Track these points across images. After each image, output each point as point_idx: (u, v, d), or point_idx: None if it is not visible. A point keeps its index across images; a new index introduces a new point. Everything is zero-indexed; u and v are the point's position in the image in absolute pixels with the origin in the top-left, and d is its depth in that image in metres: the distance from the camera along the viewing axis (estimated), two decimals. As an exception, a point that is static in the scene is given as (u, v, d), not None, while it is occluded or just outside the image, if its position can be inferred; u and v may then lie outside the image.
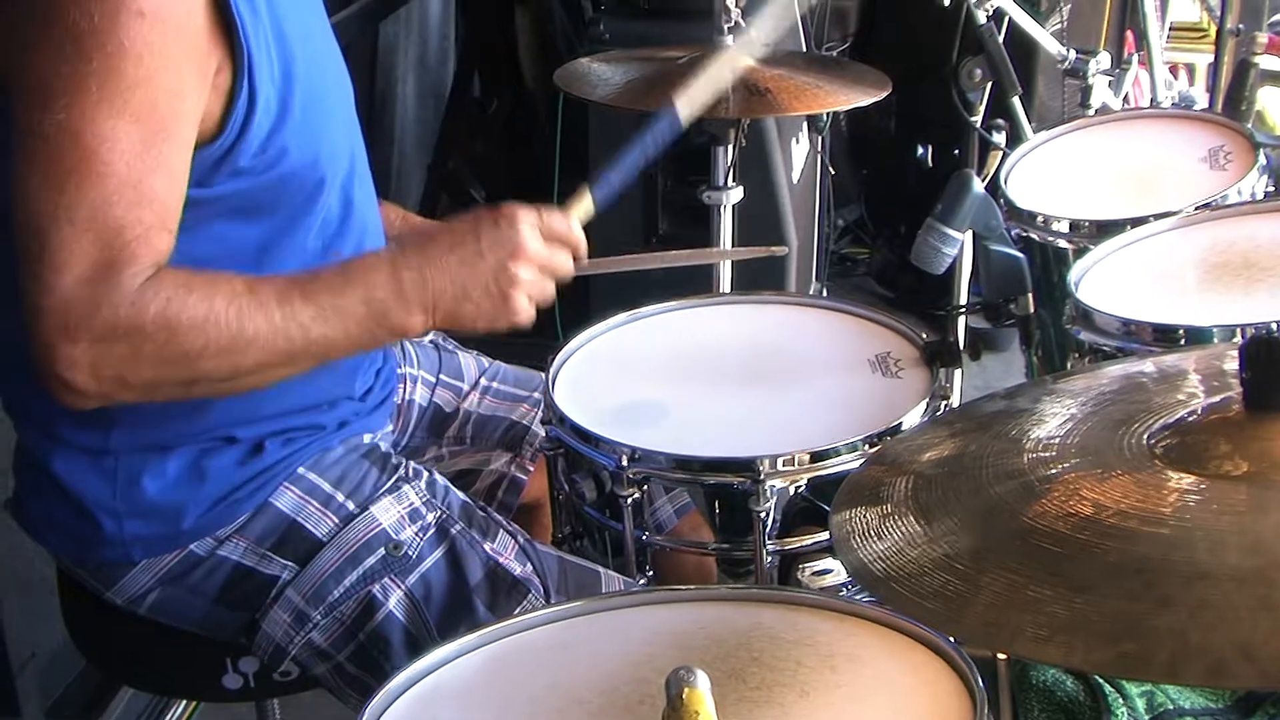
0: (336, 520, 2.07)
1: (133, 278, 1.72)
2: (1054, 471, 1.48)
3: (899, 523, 1.49)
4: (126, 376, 1.74)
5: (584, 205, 2.08)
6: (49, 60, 1.69)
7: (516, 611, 2.04)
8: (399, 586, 2.06)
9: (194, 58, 1.77)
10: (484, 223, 1.93)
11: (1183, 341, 2.20)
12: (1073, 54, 3.89)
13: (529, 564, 2.14)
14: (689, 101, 2.21)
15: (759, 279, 3.79)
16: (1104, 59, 3.86)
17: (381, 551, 2.06)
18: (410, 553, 2.08)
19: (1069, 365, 2.47)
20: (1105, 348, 2.29)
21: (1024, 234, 2.81)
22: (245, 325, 1.77)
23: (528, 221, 1.94)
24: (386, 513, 2.09)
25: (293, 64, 1.90)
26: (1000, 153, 3.43)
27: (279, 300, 1.80)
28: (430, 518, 2.11)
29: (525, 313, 1.94)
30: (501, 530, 2.16)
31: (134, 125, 1.71)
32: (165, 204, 1.76)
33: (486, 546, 2.12)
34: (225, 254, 1.91)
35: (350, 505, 2.09)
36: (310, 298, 1.81)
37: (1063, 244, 2.77)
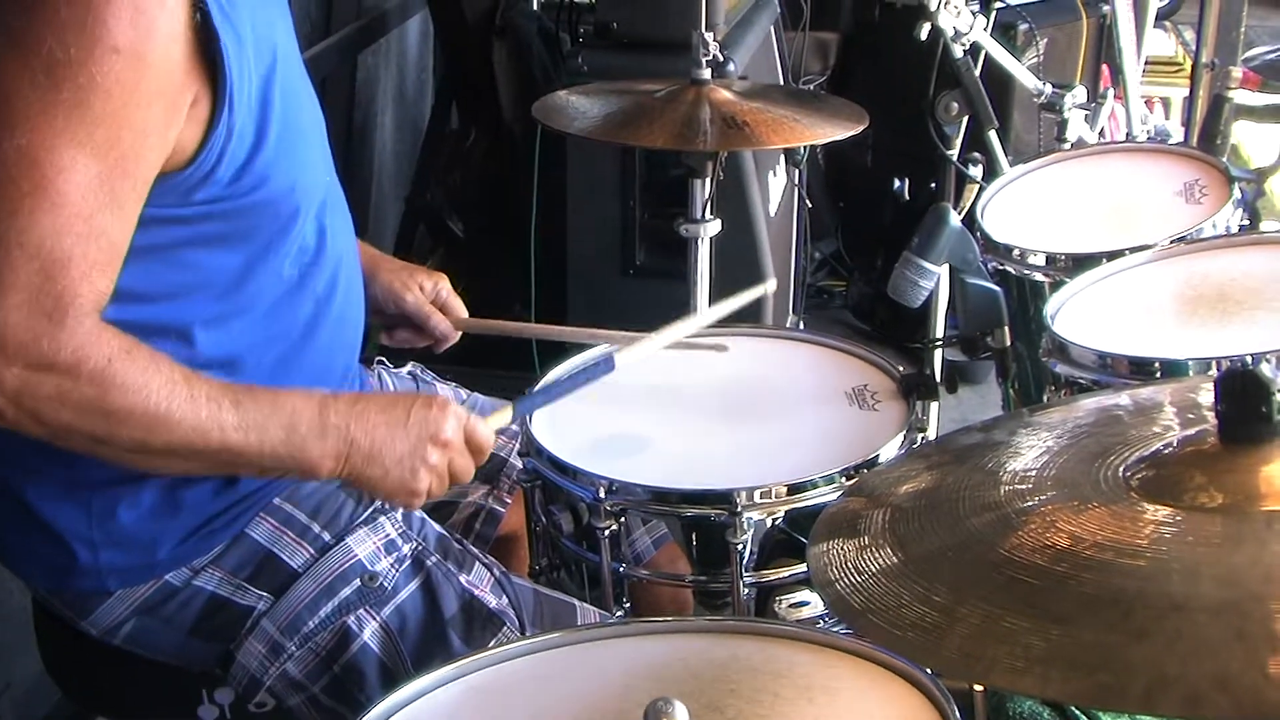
0: (312, 551, 2.07)
1: (76, 320, 1.72)
2: (1030, 504, 1.48)
3: (876, 555, 1.49)
4: (43, 413, 1.74)
5: (502, 417, 2.13)
6: (17, 84, 1.69)
7: (491, 644, 2.03)
8: (374, 618, 2.06)
9: (165, 95, 1.76)
10: (418, 401, 1.97)
11: (1158, 374, 2.22)
12: (1049, 88, 3.91)
13: (505, 597, 2.14)
14: (629, 354, 2.26)
15: (736, 312, 3.79)
16: (1080, 93, 3.88)
17: (357, 583, 2.06)
18: (386, 584, 2.07)
19: (1045, 398, 2.49)
20: (1081, 380, 2.30)
21: (1000, 267, 2.83)
22: (172, 408, 1.78)
23: (456, 416, 1.98)
24: (362, 544, 2.09)
25: (272, 92, 1.90)
26: (977, 186, 3.45)
27: (209, 398, 1.81)
28: (406, 549, 2.11)
29: (422, 496, 1.98)
30: (478, 563, 2.16)
31: (94, 160, 1.71)
32: (113, 243, 1.76)
33: (462, 579, 2.12)
34: (202, 282, 1.91)
35: (326, 536, 2.08)
36: (238, 407, 1.83)
37: (1039, 277, 2.78)
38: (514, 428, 2.44)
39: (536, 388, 2.27)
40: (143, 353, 1.79)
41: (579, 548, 2.22)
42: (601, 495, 2.10)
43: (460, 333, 2.48)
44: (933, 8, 3.41)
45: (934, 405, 2.40)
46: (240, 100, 1.84)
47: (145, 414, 1.77)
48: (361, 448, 1.91)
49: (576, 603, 2.19)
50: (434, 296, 2.46)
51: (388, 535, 2.11)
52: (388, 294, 2.43)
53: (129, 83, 1.72)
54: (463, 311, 2.49)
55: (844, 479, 2.08)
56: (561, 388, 2.24)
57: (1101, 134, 4.13)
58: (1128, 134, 4.86)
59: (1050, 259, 2.79)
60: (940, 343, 3.61)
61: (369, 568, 2.07)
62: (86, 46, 1.69)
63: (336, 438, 1.89)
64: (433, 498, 2.00)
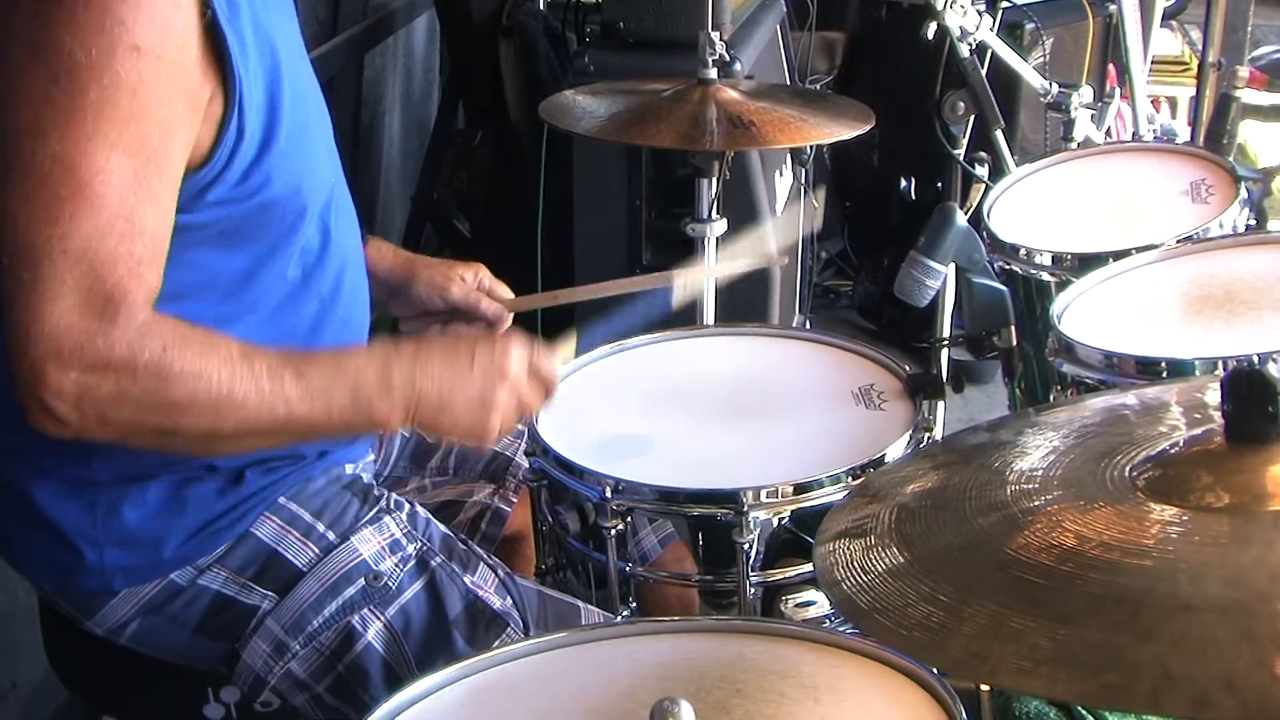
0: (317, 550, 2.07)
1: (128, 316, 1.72)
2: (1037, 503, 1.48)
3: (882, 554, 1.49)
4: (108, 414, 1.74)
5: (568, 348, 2.16)
6: (44, 90, 1.69)
7: (495, 645, 2.03)
8: (378, 618, 2.06)
9: (186, 91, 1.77)
10: (480, 343, 1.98)
11: (1165, 374, 2.21)
12: (1055, 87, 3.91)
13: (509, 598, 2.13)
14: (685, 284, 2.27)
15: (743, 311, 3.79)
16: (1086, 93, 3.88)
17: (361, 582, 2.06)
18: (390, 584, 2.07)
19: (1051, 397, 2.48)
20: (1088, 380, 2.30)
21: (1007, 267, 2.82)
22: (235, 389, 1.78)
23: (519, 353, 1.99)
24: (367, 543, 2.09)
25: (279, 95, 1.90)
26: (983, 186, 3.45)
27: (270, 373, 1.81)
28: (411, 549, 2.11)
29: (495, 435, 1.99)
30: (482, 563, 2.16)
31: (127, 158, 1.72)
32: (155, 237, 1.77)
33: (467, 579, 2.12)
34: (206, 282, 1.91)
35: (331, 535, 2.08)
36: (301, 376, 1.83)
37: (1045, 277, 2.78)
38: (519, 426, 2.44)
39: (601, 322, 2.27)
40: (198, 336, 1.79)
41: (585, 547, 2.22)
42: (608, 495, 2.10)
43: (511, 314, 2.48)
44: (939, 7, 3.41)
45: (940, 405, 2.40)
46: (249, 101, 1.84)
47: (209, 399, 1.77)
48: (430, 399, 1.91)
49: (581, 604, 2.19)
50: (478, 284, 2.46)
51: (392, 535, 2.11)
52: (432, 290, 2.43)
53: (151, 80, 1.72)
54: (508, 293, 2.49)
55: (850, 478, 2.08)
56: (627, 321, 2.24)
57: (1108, 133, 4.13)
58: (1134, 133, 4.86)
59: (1056, 258, 2.79)
60: (947, 342, 3.61)
61: (374, 567, 2.07)
62: (107, 47, 1.69)
63: (403, 392, 1.90)
64: (505, 435, 2.03)
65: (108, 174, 1.71)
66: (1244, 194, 2.82)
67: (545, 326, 2.54)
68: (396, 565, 2.09)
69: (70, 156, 1.69)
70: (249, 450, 1.93)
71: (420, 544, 2.12)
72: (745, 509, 2.03)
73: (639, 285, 2.50)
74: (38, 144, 1.69)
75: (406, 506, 2.17)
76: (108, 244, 1.71)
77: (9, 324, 1.72)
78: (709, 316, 3.32)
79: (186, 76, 1.77)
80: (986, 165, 3.54)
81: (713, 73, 3.07)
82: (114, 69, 1.70)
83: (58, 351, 1.70)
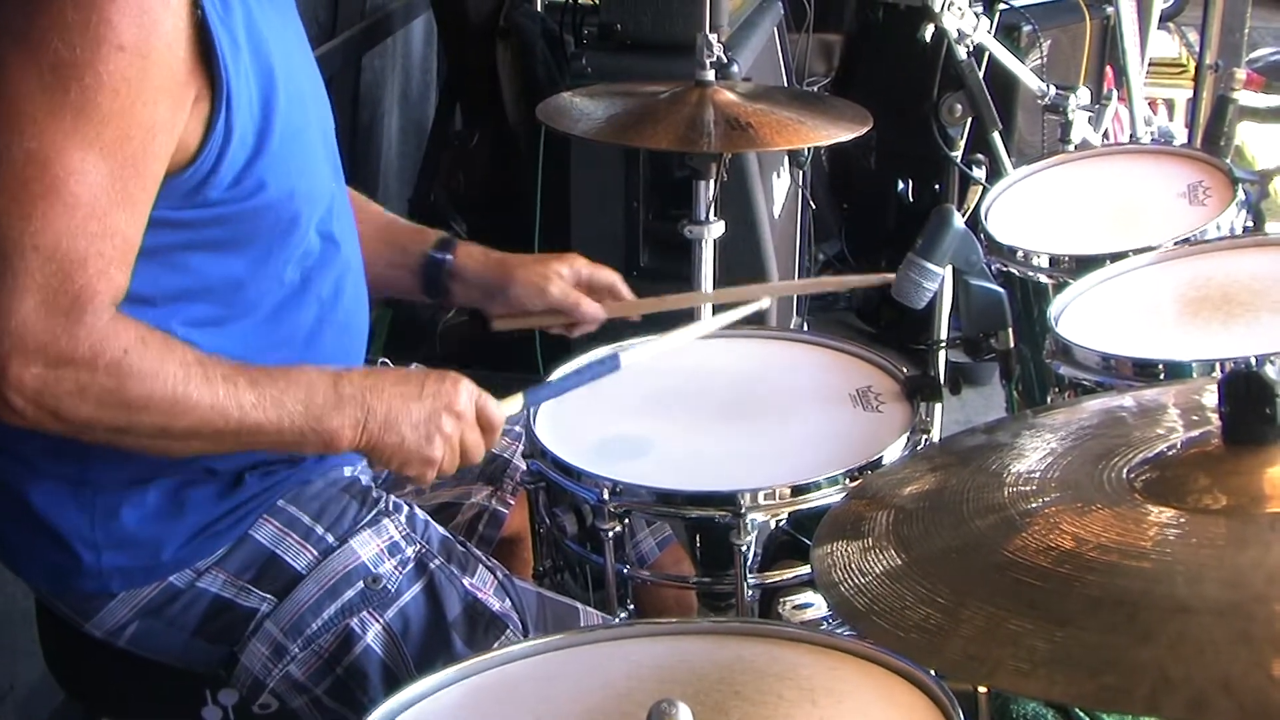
0: (316, 553, 2.07)
1: (94, 315, 1.73)
2: (1034, 505, 1.48)
3: (880, 556, 1.49)
4: (63, 409, 1.75)
5: (513, 404, 2.14)
6: (26, 86, 1.70)
7: (494, 647, 2.03)
8: (377, 620, 2.06)
9: (170, 91, 1.77)
10: (431, 375, 2.00)
11: (1162, 376, 2.21)
12: (1052, 90, 3.91)
13: (507, 600, 2.13)
14: (633, 355, 2.27)
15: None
16: (1084, 94, 3.88)
17: (360, 585, 2.06)
18: (389, 586, 2.07)
19: (1049, 400, 2.48)
20: (1085, 382, 2.30)
21: (1004, 269, 2.83)
22: (190, 391, 1.80)
23: (468, 391, 2.01)
24: (366, 546, 2.09)
25: (273, 98, 1.90)
26: (980, 188, 3.45)
27: (225, 378, 1.83)
28: (410, 552, 2.11)
29: (436, 465, 1.99)
30: (481, 565, 2.16)
31: (103, 159, 1.72)
32: (126, 239, 1.77)
33: (465, 581, 2.11)
34: (202, 286, 1.91)
35: (330, 538, 2.08)
36: (254, 385, 1.84)
37: (1043, 279, 2.78)
38: (517, 429, 2.44)
39: (546, 381, 2.27)
40: (157, 339, 1.80)
41: (583, 549, 2.22)
42: (605, 497, 2.10)
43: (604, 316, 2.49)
44: (936, 9, 3.41)
45: (938, 407, 2.39)
46: (239, 101, 1.84)
47: (164, 400, 1.78)
48: (378, 415, 1.92)
49: (580, 606, 2.19)
50: (575, 279, 2.46)
51: (391, 538, 2.11)
52: (530, 290, 2.43)
53: (135, 81, 1.72)
54: (608, 276, 2.49)
55: (848, 480, 2.08)
56: (570, 382, 2.24)
57: (1105, 135, 4.13)
58: (1131, 135, 4.86)
59: (1054, 260, 2.79)
60: (944, 344, 3.61)
61: (372, 570, 2.07)
62: (92, 46, 1.69)
63: (354, 407, 1.91)
64: (444, 474, 2.01)
65: (83, 174, 1.71)
66: (1241, 196, 2.82)
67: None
68: (395, 568, 2.09)
69: (46, 153, 1.70)
70: (197, 453, 1.92)
71: (419, 546, 2.12)
72: (743, 511, 2.03)
73: (734, 297, 2.53)
74: (14, 139, 1.70)
75: (405, 509, 2.17)
76: (78, 244, 1.72)
77: None
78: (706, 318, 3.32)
79: (172, 76, 1.77)
80: (984, 167, 3.54)
81: (710, 75, 3.07)
82: (96, 68, 1.70)
83: (22, 346, 1.70)
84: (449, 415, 1.97)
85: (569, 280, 2.45)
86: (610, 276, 2.49)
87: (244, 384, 1.83)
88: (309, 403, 1.88)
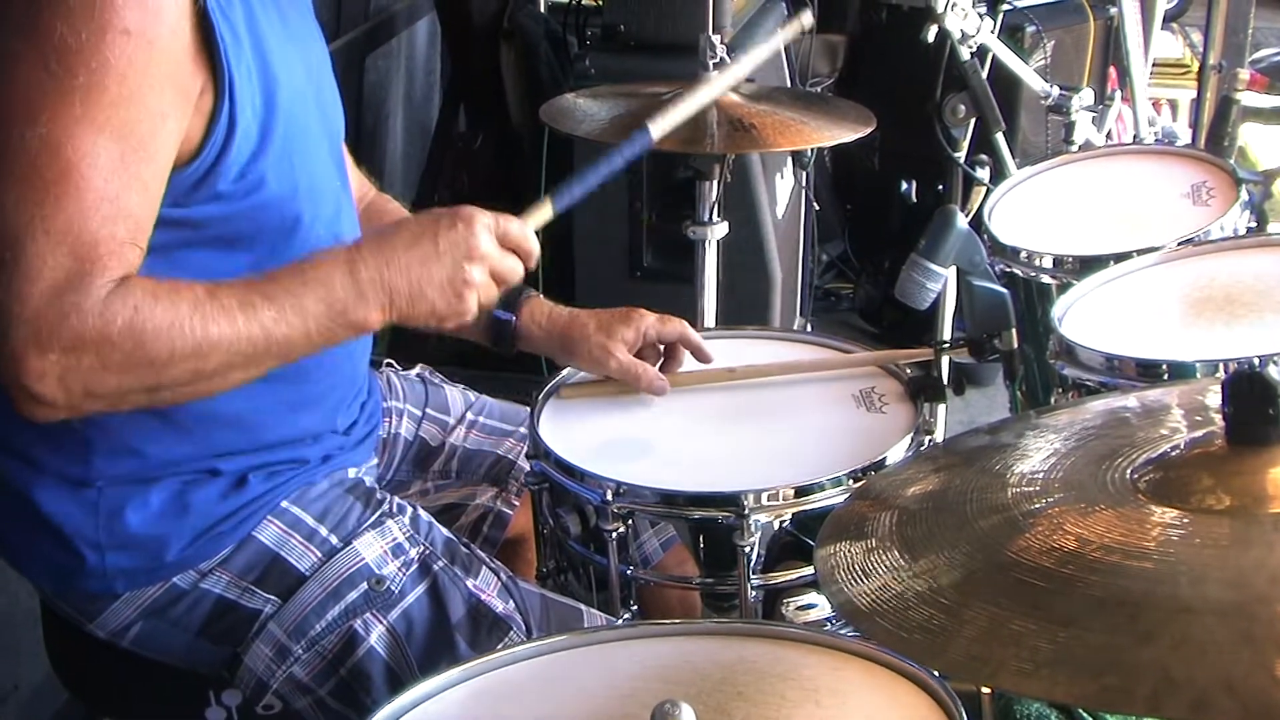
0: (319, 554, 2.07)
1: (101, 287, 1.72)
2: (1038, 506, 1.48)
3: (883, 557, 1.49)
4: (94, 387, 1.74)
5: (542, 213, 2.09)
6: (33, 73, 1.70)
7: (498, 648, 2.03)
8: (381, 622, 2.06)
9: (176, 78, 1.78)
10: (442, 222, 1.93)
11: (1166, 376, 2.21)
12: (1056, 90, 3.91)
13: (511, 601, 2.13)
14: (662, 123, 2.22)
15: (743, 314, 3.79)
16: (1087, 95, 3.89)
17: (364, 586, 2.06)
18: (393, 588, 2.07)
19: (1053, 400, 2.48)
20: (1089, 383, 2.30)
21: (1008, 269, 2.82)
22: (209, 330, 1.77)
23: (484, 224, 1.95)
24: (370, 547, 2.09)
25: (275, 94, 1.90)
26: (984, 188, 3.45)
27: (240, 304, 1.79)
28: (413, 553, 2.11)
29: (473, 312, 1.95)
30: (484, 567, 2.16)
31: (114, 142, 1.72)
32: (139, 220, 1.77)
33: (469, 583, 2.12)
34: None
35: (333, 540, 2.08)
36: (271, 299, 1.81)
37: (1046, 279, 2.78)
38: (521, 430, 2.45)
39: (574, 177, 2.19)
40: (164, 289, 1.77)
41: (586, 550, 2.22)
42: (609, 498, 2.10)
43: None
44: (940, 10, 3.42)
45: (941, 407, 2.39)
46: (242, 96, 1.84)
47: (187, 347, 1.76)
48: (402, 291, 1.88)
49: (583, 608, 2.19)
50: (639, 341, 2.38)
51: (395, 539, 2.11)
52: (591, 364, 2.39)
53: (141, 65, 1.73)
54: (679, 328, 2.41)
55: (851, 481, 2.08)
56: (601, 170, 2.18)
57: (1109, 136, 4.14)
58: (1135, 136, 4.86)
59: (1057, 261, 2.79)
60: (947, 345, 3.61)
61: (376, 571, 2.07)
62: (97, 31, 1.70)
63: (375, 290, 1.87)
64: (486, 307, 1.97)
65: (94, 157, 1.71)
66: (1245, 196, 2.81)
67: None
68: (399, 569, 2.09)
69: (56, 139, 1.70)
70: (239, 383, 1.87)
71: (423, 548, 2.12)
72: (746, 512, 2.03)
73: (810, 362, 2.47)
74: (26, 127, 1.70)
75: (409, 510, 2.18)
76: (90, 226, 1.71)
77: None
78: (709, 319, 3.32)
79: (177, 63, 1.77)
80: (987, 168, 3.54)
81: (714, 76, 3.07)
82: (103, 53, 1.70)
83: (35, 335, 1.69)
84: (473, 262, 1.92)
85: (632, 345, 2.37)
86: (679, 327, 2.41)
87: (260, 302, 1.80)
88: (330, 300, 1.84)
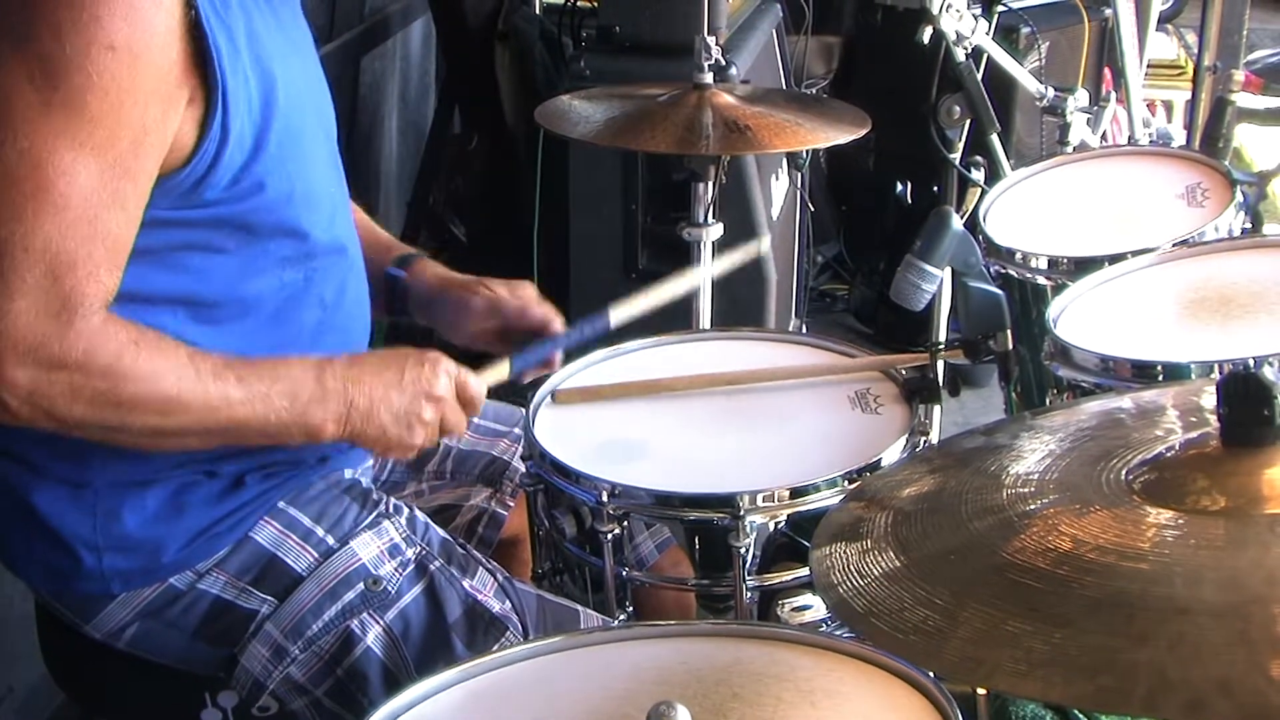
0: (316, 555, 2.07)
1: (84, 318, 1.74)
2: (1033, 507, 1.48)
3: (879, 558, 1.49)
4: (57, 410, 1.77)
5: (498, 373, 2.18)
6: (17, 84, 1.70)
7: (494, 649, 2.03)
8: (377, 622, 2.06)
9: (162, 93, 1.77)
10: (410, 359, 2.02)
11: (1161, 377, 2.21)
12: (1051, 91, 3.91)
13: (507, 601, 2.14)
14: (620, 313, 2.27)
15: (738, 315, 3.79)
16: (1082, 96, 3.88)
17: (360, 587, 2.06)
18: (389, 588, 2.07)
19: (1048, 401, 2.48)
20: (1084, 384, 2.30)
21: (1003, 270, 2.83)
22: (182, 391, 1.82)
23: (448, 373, 2.03)
24: (366, 548, 2.09)
25: (274, 98, 1.90)
26: (979, 190, 3.45)
27: (216, 375, 1.85)
28: (410, 554, 2.11)
29: (416, 449, 2.04)
30: (481, 568, 2.16)
31: (94, 159, 1.72)
32: (117, 241, 1.78)
33: (465, 584, 2.12)
34: (200, 286, 1.92)
35: (330, 540, 2.09)
36: (242, 382, 1.87)
37: (1041, 280, 2.78)
38: (516, 431, 2.44)
39: (533, 345, 2.28)
40: (149, 340, 1.81)
41: (582, 551, 2.21)
42: (604, 499, 2.10)
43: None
44: (935, 11, 3.41)
45: (936, 409, 2.40)
46: (237, 103, 1.84)
47: (156, 400, 1.81)
48: (360, 408, 1.95)
49: (580, 608, 2.19)
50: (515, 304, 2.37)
51: (391, 539, 2.11)
52: (478, 311, 2.36)
53: (125, 81, 1.72)
54: (548, 315, 2.37)
55: (846, 482, 2.08)
56: (557, 343, 2.27)
57: (1103, 137, 4.13)
58: (1130, 137, 4.86)
59: (1052, 262, 2.79)
60: (942, 346, 3.61)
61: (373, 572, 2.07)
62: (82, 45, 1.69)
63: (336, 401, 1.94)
64: (425, 449, 2.05)
65: (73, 174, 1.71)
66: (1239, 197, 2.82)
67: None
68: (395, 569, 2.09)
69: (37, 153, 1.70)
70: (188, 449, 1.95)
71: (419, 548, 2.12)
72: (741, 513, 2.03)
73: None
74: (6, 137, 1.70)
75: (405, 511, 2.18)
76: (68, 245, 1.72)
77: None
78: (705, 320, 3.32)
79: (164, 77, 1.77)
80: (982, 169, 3.54)
81: (709, 77, 3.07)
82: (86, 68, 1.70)
83: (14, 347, 1.71)
84: (429, 402, 2.00)
85: (521, 304, 2.35)
86: (548, 315, 2.37)
87: (232, 381, 1.85)
88: (294, 397, 1.90)
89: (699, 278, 2.44)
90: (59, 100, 1.70)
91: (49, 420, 1.78)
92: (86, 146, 1.72)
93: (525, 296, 2.36)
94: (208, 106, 1.82)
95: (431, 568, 2.11)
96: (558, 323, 2.36)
